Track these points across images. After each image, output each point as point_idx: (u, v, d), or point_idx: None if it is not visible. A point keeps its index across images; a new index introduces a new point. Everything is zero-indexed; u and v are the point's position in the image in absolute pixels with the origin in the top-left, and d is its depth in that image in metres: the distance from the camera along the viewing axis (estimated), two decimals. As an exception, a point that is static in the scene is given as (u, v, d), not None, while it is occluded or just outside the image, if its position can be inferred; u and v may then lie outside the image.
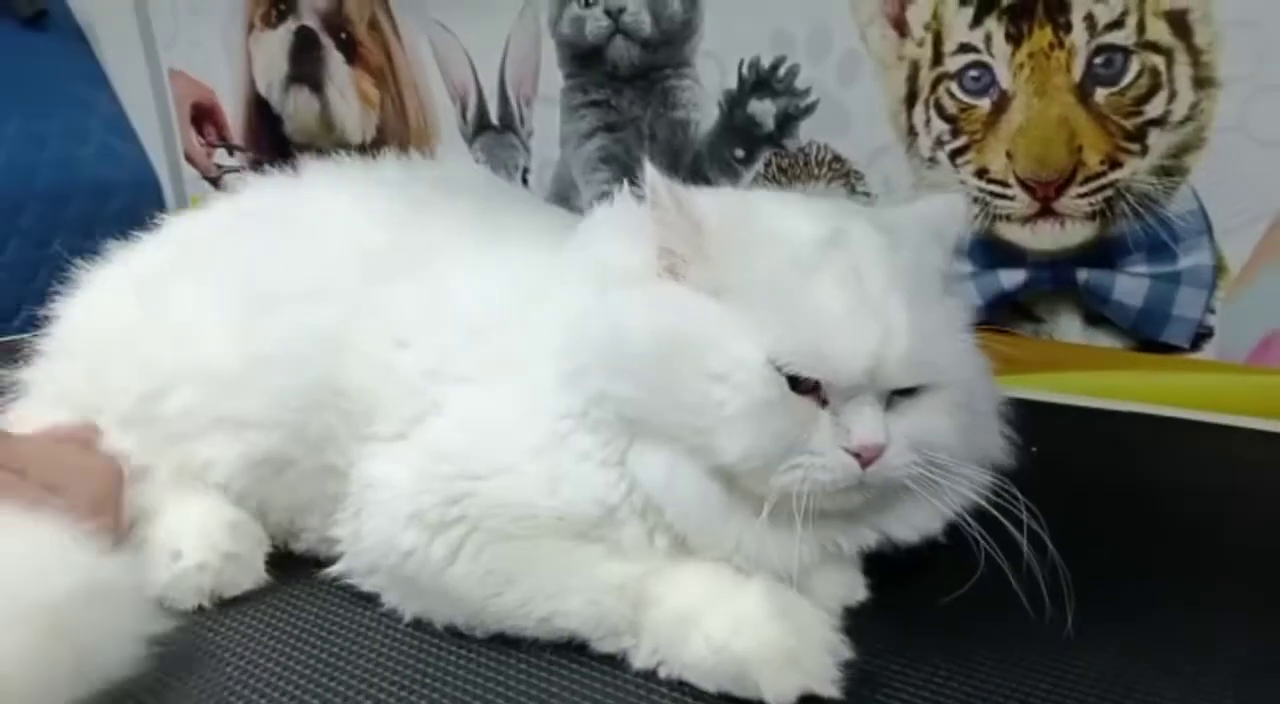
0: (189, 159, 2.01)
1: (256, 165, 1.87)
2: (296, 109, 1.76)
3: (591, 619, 0.61)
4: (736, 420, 0.57)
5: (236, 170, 1.91)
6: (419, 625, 0.66)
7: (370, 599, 0.68)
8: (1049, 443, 0.89)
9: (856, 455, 0.58)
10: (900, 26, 1.10)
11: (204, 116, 1.96)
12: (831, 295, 0.58)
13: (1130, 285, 1.04)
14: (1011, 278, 1.09)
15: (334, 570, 0.70)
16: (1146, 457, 0.92)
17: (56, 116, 1.97)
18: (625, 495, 0.61)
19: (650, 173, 0.61)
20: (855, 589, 0.65)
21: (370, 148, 1.66)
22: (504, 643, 0.63)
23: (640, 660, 0.60)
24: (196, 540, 0.71)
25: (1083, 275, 1.06)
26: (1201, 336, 1.01)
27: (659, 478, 0.60)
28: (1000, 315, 1.11)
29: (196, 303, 0.77)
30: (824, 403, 0.59)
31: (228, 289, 0.76)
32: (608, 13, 1.31)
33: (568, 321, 0.64)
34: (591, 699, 0.58)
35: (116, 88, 2.05)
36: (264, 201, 0.84)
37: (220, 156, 1.94)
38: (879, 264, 0.60)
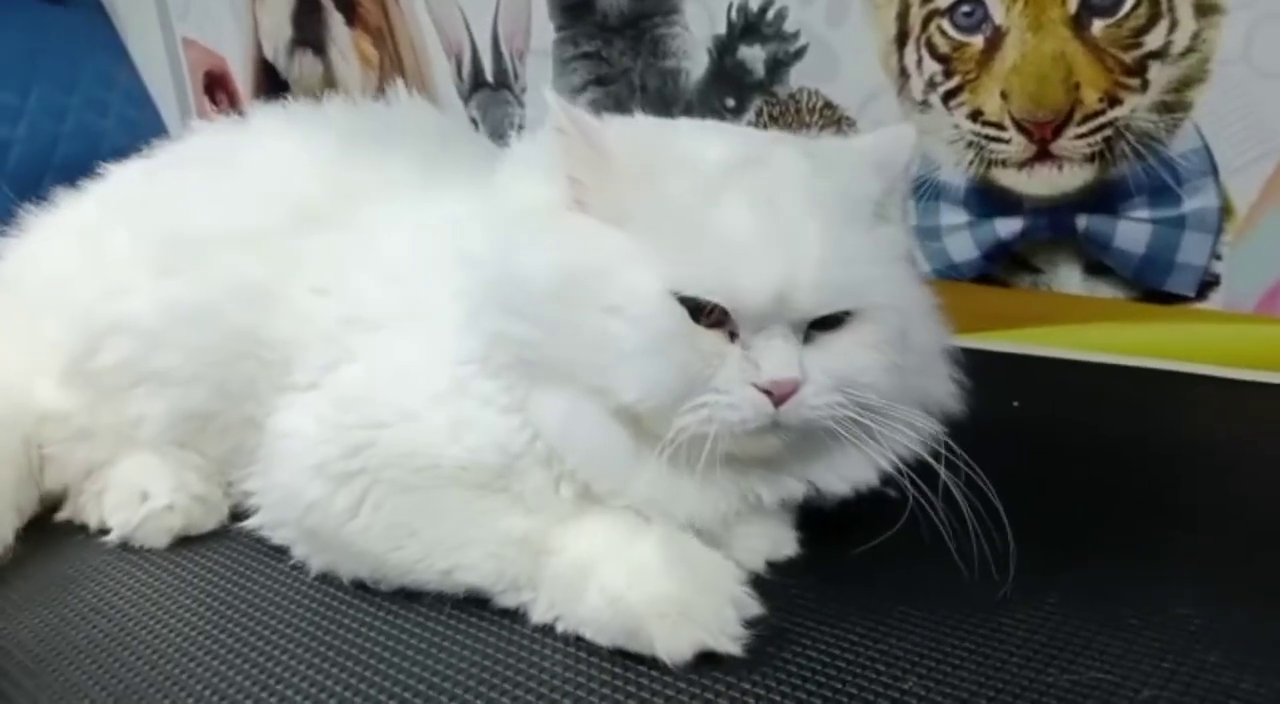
0: (204, 127, 2.01)
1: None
2: (301, 73, 1.74)
3: (492, 572, 0.58)
4: (635, 356, 0.54)
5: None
6: (325, 579, 0.63)
7: (281, 552, 0.66)
8: (1033, 398, 0.85)
9: (768, 393, 0.53)
10: (889, -38, 1.05)
11: (216, 84, 1.95)
12: (737, 219, 0.54)
13: (1132, 231, 0.98)
14: (1008, 226, 1.04)
15: (249, 523, 0.67)
16: (1123, 411, 0.86)
17: (77, 90, 1.97)
18: (529, 443, 0.58)
19: (553, 99, 0.57)
20: (782, 543, 0.61)
21: (372, 109, 1.64)
22: (407, 597, 0.60)
23: (538, 615, 0.57)
24: (165, 482, 0.71)
25: (1082, 222, 1.00)
26: (1207, 284, 0.95)
27: (558, 422, 0.57)
28: (997, 267, 1.05)
29: (129, 253, 0.75)
30: (732, 337, 0.54)
31: (157, 239, 0.74)
32: (595, -40, 1.27)
33: (470, 263, 0.60)
34: (483, 654, 0.54)
35: (135, 59, 2.06)
36: (205, 147, 0.82)
37: (233, 124, 1.94)
38: (795, 189, 0.56)
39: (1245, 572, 0.58)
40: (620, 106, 1.29)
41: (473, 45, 1.46)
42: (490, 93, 1.46)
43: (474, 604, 0.59)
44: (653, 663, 0.52)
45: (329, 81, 1.70)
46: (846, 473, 0.59)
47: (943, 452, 0.57)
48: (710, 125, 0.66)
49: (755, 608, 0.54)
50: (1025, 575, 0.55)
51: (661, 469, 0.55)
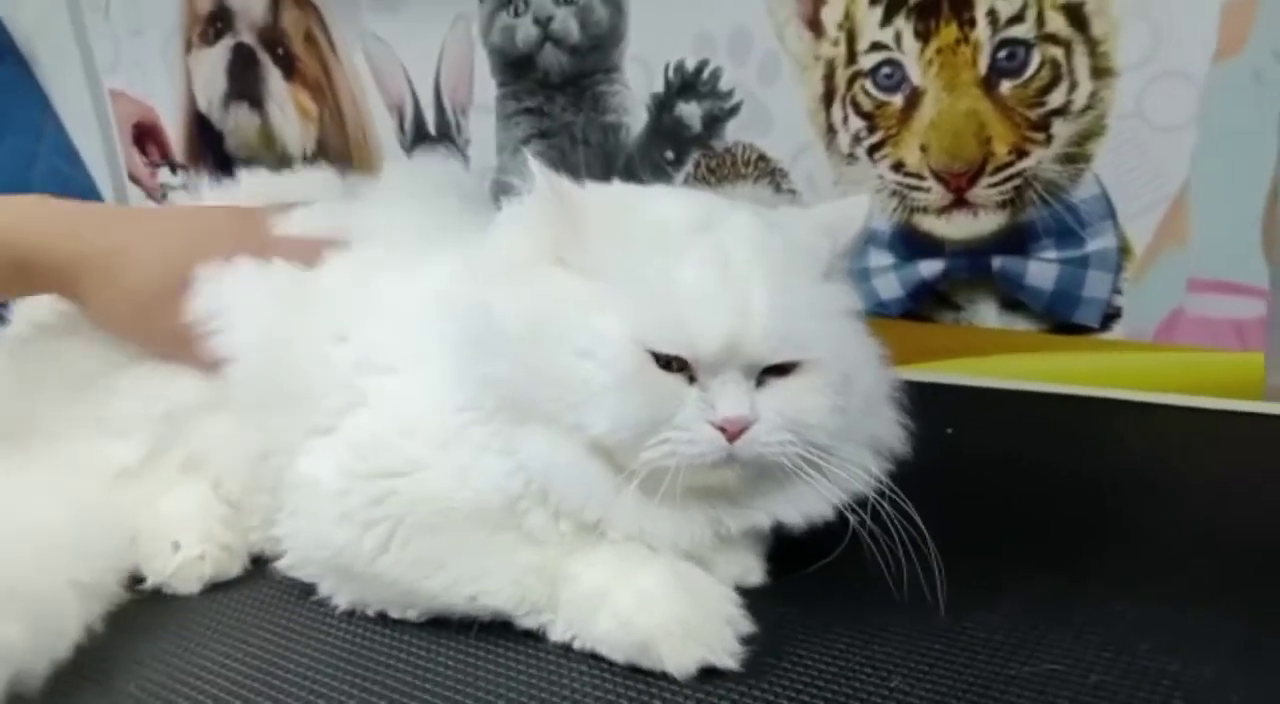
0: (133, 178, 2.02)
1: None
2: (237, 125, 1.77)
3: (514, 598, 0.64)
4: (603, 394, 0.60)
5: (180, 188, 1.92)
6: (353, 613, 0.69)
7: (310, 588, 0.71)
8: (964, 425, 0.94)
9: (723, 430, 0.60)
10: (815, 27, 1.14)
11: (146, 136, 1.96)
12: (694, 275, 0.61)
13: (1041, 270, 1.08)
14: (930, 267, 1.13)
15: (280, 566, 0.72)
16: (1051, 434, 0.96)
17: (4, 142, 1.98)
18: (525, 485, 0.64)
19: (534, 166, 0.64)
20: (750, 571, 0.68)
21: (310, 160, 1.68)
22: (433, 623, 0.66)
23: (557, 635, 0.63)
24: (195, 532, 0.76)
25: (997, 262, 1.10)
26: (1110, 317, 1.05)
27: (542, 458, 0.63)
28: (922, 304, 1.15)
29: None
30: (691, 380, 0.61)
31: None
32: (537, 21, 1.34)
33: (461, 315, 0.67)
34: (515, 671, 0.61)
35: (59, 111, 2.06)
36: None
37: (164, 175, 1.95)
38: (747, 248, 0.63)
39: (1174, 576, 0.66)
40: (563, 159, 1.37)
41: (415, 99, 1.52)
42: (433, 145, 1.51)
43: (495, 626, 0.65)
44: (662, 675, 0.59)
45: (265, 134, 1.74)
46: (803, 507, 0.65)
47: (884, 488, 0.63)
48: (679, 192, 0.74)
49: (748, 626, 0.61)
50: (976, 587, 0.64)
51: (637, 500, 0.62)
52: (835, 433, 0.63)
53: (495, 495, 0.64)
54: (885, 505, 0.62)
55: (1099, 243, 1.04)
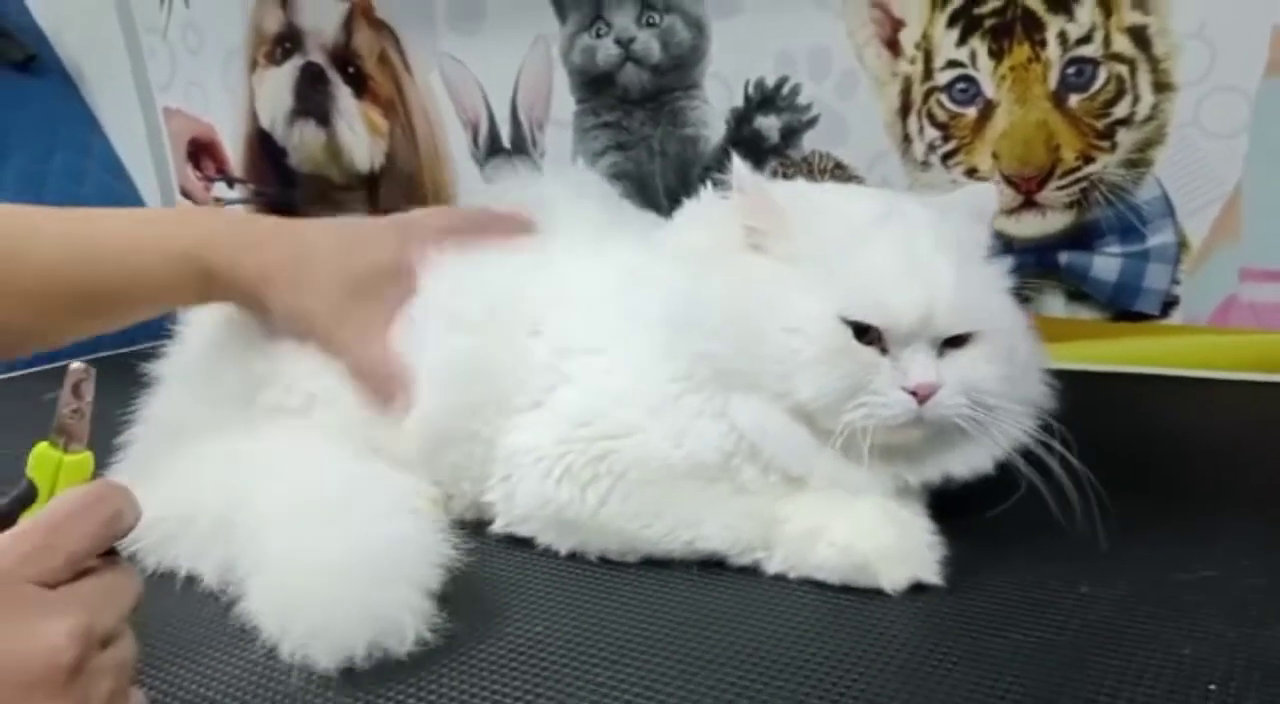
0: (185, 193, 2.09)
1: (259, 196, 1.96)
2: (302, 141, 1.85)
3: (729, 540, 0.74)
4: (810, 365, 0.70)
5: (238, 201, 2.00)
6: (574, 557, 0.78)
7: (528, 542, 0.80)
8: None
9: (913, 394, 0.70)
10: (893, 47, 1.25)
11: (201, 151, 2.04)
12: (888, 257, 0.71)
13: (1105, 264, 1.20)
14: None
15: (495, 528, 0.81)
16: (1108, 408, 1.06)
17: (54, 158, 2.04)
18: (736, 443, 0.73)
19: (737, 163, 0.75)
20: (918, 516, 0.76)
21: (379, 176, 1.77)
22: (655, 564, 0.75)
23: (773, 568, 0.73)
24: None
25: (1064, 258, 1.21)
26: (1169, 305, 1.18)
27: (754, 422, 0.72)
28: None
29: None
30: (884, 351, 0.71)
31: None
32: (618, 42, 1.44)
33: (665, 296, 0.76)
34: (741, 598, 0.70)
35: (107, 128, 2.13)
36: None
37: (219, 189, 2.03)
38: (928, 234, 0.73)
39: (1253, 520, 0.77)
40: (639, 169, 1.47)
41: (490, 115, 1.61)
42: (507, 158, 1.61)
43: (712, 564, 0.74)
44: (874, 594, 0.69)
45: (332, 150, 1.82)
46: (971, 461, 0.74)
47: (1045, 439, 0.73)
48: (855, 189, 0.85)
49: (944, 549, 0.71)
50: (1124, 522, 0.74)
51: (836, 456, 0.72)
52: (1002, 396, 0.73)
53: (710, 454, 0.73)
54: (1046, 454, 0.72)
55: (1159, 238, 1.16)
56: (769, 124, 1.36)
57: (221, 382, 0.88)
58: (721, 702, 0.58)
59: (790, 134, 1.35)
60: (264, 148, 1.92)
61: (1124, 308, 1.20)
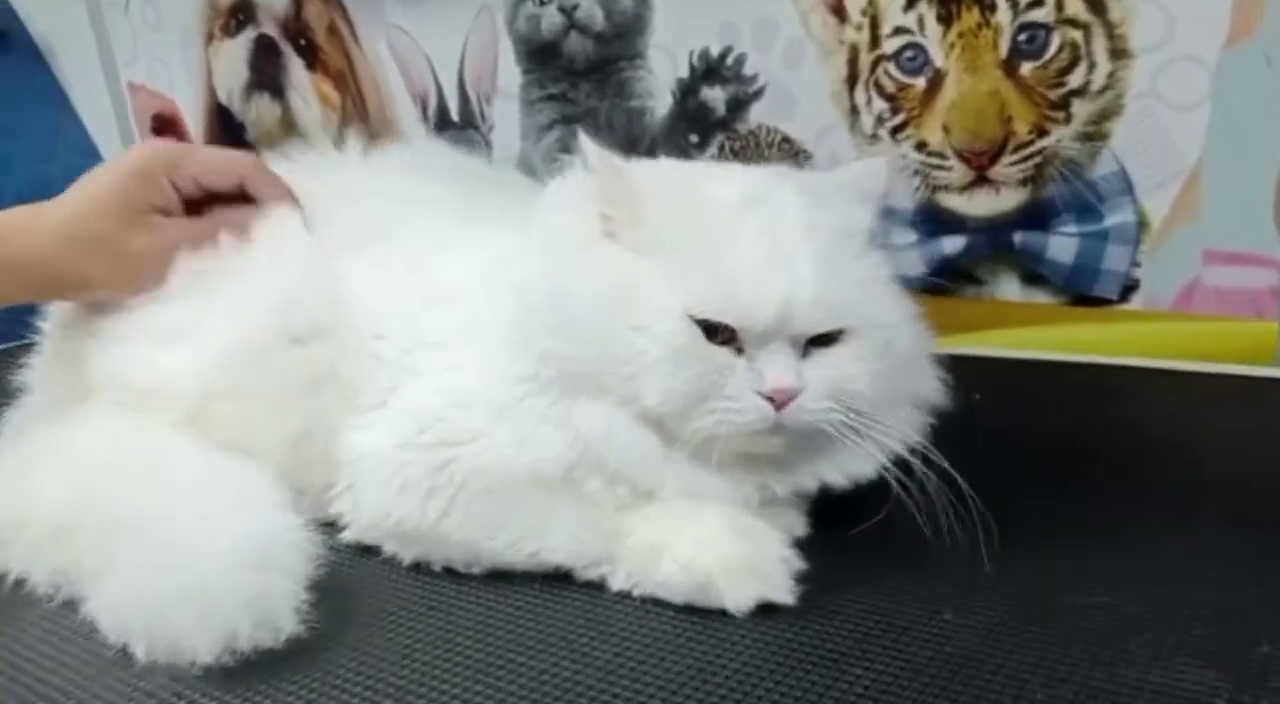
0: (152, 170, 2.04)
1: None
2: (259, 115, 1.80)
3: (574, 553, 0.67)
4: (656, 367, 0.63)
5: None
6: (418, 568, 0.72)
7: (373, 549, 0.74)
8: (984, 392, 0.97)
9: (770, 400, 0.63)
10: (839, 13, 1.17)
11: (165, 128, 1.99)
12: (744, 250, 0.64)
13: (1062, 244, 1.11)
14: (953, 244, 1.17)
15: (345, 537, 0.74)
16: (1060, 400, 1.00)
17: (21, 138, 2.01)
18: (582, 452, 0.66)
19: (586, 144, 0.67)
20: (794, 527, 0.70)
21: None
22: (498, 577, 0.69)
23: (617, 584, 0.67)
24: None
25: (1018, 238, 1.13)
26: (1128, 289, 1.09)
27: (599, 429, 0.66)
28: (944, 279, 1.18)
29: None
30: (739, 352, 0.64)
31: None
32: (561, 10, 1.37)
33: (518, 287, 0.69)
34: (581, 617, 0.64)
35: (77, 106, 2.09)
36: None
37: (184, 166, 1.98)
38: (794, 222, 0.65)
39: (1187, 524, 0.70)
40: (587, 143, 1.40)
41: (438, 87, 1.55)
42: (457, 132, 1.55)
43: (557, 579, 0.68)
44: (719, 614, 0.62)
45: (287, 124, 1.76)
46: (847, 468, 0.67)
47: (920, 450, 0.66)
48: (721, 168, 0.77)
49: (799, 563, 0.64)
50: (1018, 537, 0.66)
51: (687, 466, 0.65)
52: (877, 397, 0.66)
53: (552, 465, 0.67)
54: (921, 465, 0.65)
55: (1117, 217, 1.08)
56: (714, 96, 1.28)
57: (62, 384, 0.83)
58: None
59: (737, 106, 1.27)
60: (224, 122, 1.87)
61: (1081, 292, 1.12)
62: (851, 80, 1.18)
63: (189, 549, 0.63)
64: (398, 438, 0.71)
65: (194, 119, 1.92)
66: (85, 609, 0.65)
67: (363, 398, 0.75)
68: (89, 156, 2.06)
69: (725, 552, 0.63)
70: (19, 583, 0.72)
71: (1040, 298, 1.14)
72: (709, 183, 0.69)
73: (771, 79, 1.24)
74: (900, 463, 0.66)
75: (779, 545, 0.65)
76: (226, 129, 1.86)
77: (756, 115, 1.26)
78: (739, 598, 0.62)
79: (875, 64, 1.16)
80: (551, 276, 0.68)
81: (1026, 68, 1.07)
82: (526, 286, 0.69)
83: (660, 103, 1.34)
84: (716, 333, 0.63)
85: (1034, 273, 1.14)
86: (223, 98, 1.85)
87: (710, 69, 1.28)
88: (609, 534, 0.67)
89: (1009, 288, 1.16)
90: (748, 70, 1.25)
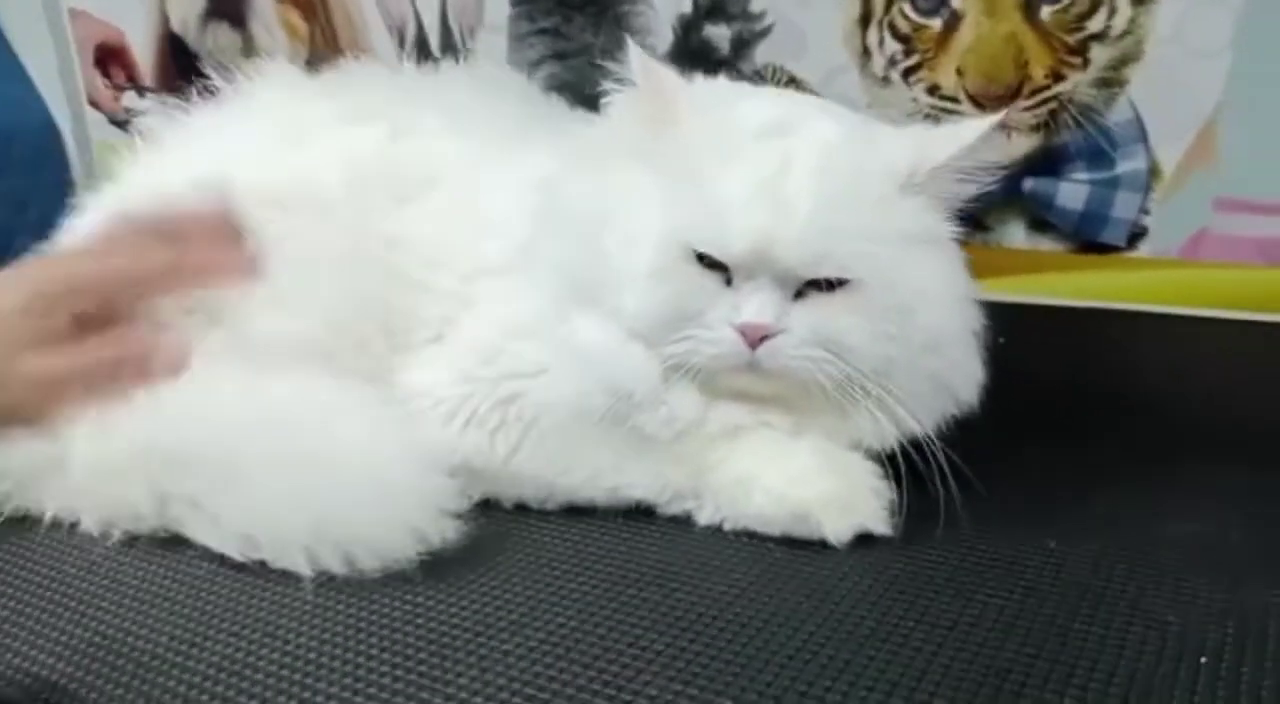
0: (93, 103, 1.94)
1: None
2: (216, 45, 1.71)
3: (656, 487, 0.66)
4: (638, 281, 0.62)
5: (147, 113, 1.85)
6: (487, 503, 0.68)
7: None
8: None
9: (744, 336, 0.61)
10: (854, -51, 1.16)
11: (109, 57, 1.89)
12: (741, 178, 0.61)
13: (1072, 191, 1.12)
14: (962, 189, 1.17)
15: None
16: (1069, 346, 1.01)
17: (-50, 66, 1.89)
18: (596, 380, 0.64)
19: (634, 53, 0.64)
20: None
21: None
22: (577, 512, 0.67)
23: (705, 518, 0.65)
24: None
25: (1028, 184, 1.14)
26: (1136, 236, 1.11)
27: (598, 343, 0.64)
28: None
29: None
30: (729, 283, 0.62)
31: None
32: (557, -61, 1.33)
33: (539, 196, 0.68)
34: (673, 552, 0.62)
35: (10, 34, 1.97)
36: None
37: (130, 99, 1.88)
38: (813, 158, 0.61)
39: (1194, 464, 0.72)
40: (580, 80, 1.36)
41: (418, 18, 1.49)
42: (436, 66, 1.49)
43: (640, 513, 0.66)
44: (818, 546, 0.61)
45: (248, 53, 1.68)
46: (855, 435, 0.65)
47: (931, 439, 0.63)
48: (776, 94, 0.75)
49: (891, 494, 0.63)
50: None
51: (688, 391, 0.64)
52: (882, 361, 0.62)
53: (589, 397, 0.65)
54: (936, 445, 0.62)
55: (1130, 164, 1.09)
56: (719, 34, 1.26)
57: None
58: (656, 665, 0.50)
59: (742, 45, 1.25)
60: (175, 53, 1.77)
61: (1089, 239, 1.13)
62: (865, 19, 1.17)
63: (357, 461, 0.61)
64: (459, 371, 0.68)
65: (142, 49, 1.82)
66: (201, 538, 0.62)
67: (414, 334, 0.71)
68: (25, 84, 1.94)
69: (821, 484, 0.62)
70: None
71: (1045, 245, 1.15)
72: (744, 107, 0.66)
73: (780, 16, 1.22)
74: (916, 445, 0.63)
75: (871, 476, 0.64)
76: (179, 60, 1.77)
77: (763, 54, 1.24)
78: (838, 528, 0.61)
79: (890, 3, 1.15)
80: (565, 189, 0.67)
81: (1046, 11, 1.07)
82: (546, 195, 0.68)
83: (660, 40, 1.30)
84: (709, 261, 0.62)
85: (1041, 219, 1.15)
86: (176, 26, 1.75)
87: (715, 4, 1.25)
88: (695, 467, 0.65)
89: (1015, 235, 1.16)
90: (754, 7, 1.23)
